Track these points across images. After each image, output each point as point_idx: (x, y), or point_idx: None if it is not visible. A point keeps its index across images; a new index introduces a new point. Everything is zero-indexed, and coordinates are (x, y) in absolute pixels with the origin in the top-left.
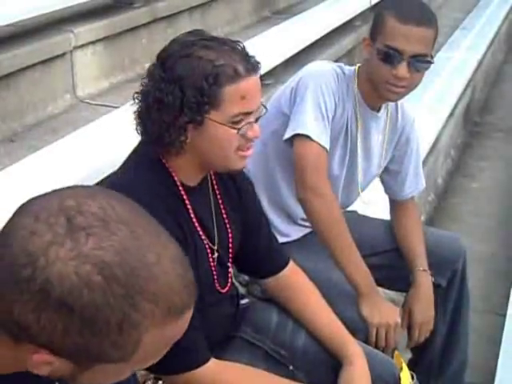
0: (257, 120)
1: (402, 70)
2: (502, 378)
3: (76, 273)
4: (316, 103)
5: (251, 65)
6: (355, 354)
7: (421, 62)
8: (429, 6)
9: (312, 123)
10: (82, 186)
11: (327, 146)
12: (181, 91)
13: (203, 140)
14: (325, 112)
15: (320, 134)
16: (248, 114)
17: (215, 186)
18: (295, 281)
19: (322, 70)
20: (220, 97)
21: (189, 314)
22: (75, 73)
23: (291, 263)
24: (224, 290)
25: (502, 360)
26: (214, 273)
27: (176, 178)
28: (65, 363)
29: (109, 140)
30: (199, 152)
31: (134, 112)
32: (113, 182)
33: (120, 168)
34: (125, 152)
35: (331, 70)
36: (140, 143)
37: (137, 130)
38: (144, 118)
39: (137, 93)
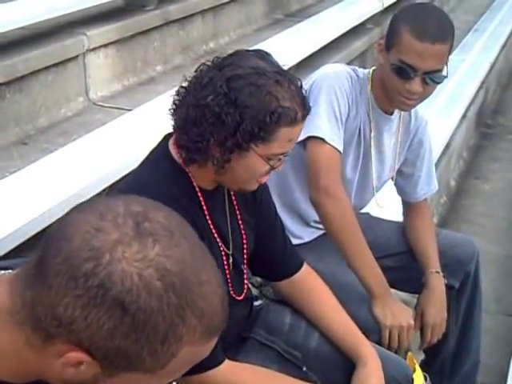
0: (286, 155)
1: (416, 85)
2: None
3: (139, 274)
4: (329, 106)
5: (306, 111)
6: (369, 355)
7: (435, 77)
8: (445, 14)
9: (325, 126)
10: (143, 198)
11: (341, 149)
12: (240, 117)
13: (238, 164)
14: (338, 115)
15: (333, 136)
16: (285, 154)
17: (230, 190)
18: (309, 283)
19: (335, 73)
20: (274, 135)
21: (215, 340)
22: (88, 75)
23: (305, 265)
24: (240, 298)
25: None
26: (229, 279)
27: (193, 180)
28: (93, 367)
29: (122, 142)
30: (226, 171)
31: (174, 109)
32: (131, 180)
33: (139, 166)
34: (138, 154)
35: (345, 72)
36: (161, 143)
37: (176, 125)
38: (190, 123)
39: (183, 87)
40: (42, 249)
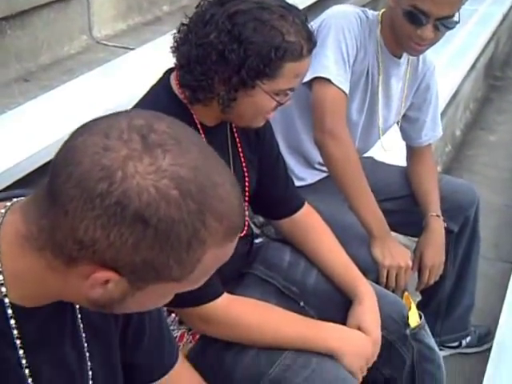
0: (292, 90)
1: (427, 31)
2: (505, 320)
3: (155, 186)
4: (337, 47)
5: (313, 45)
6: (365, 292)
7: (447, 23)
8: None
9: (332, 67)
10: (142, 110)
11: (347, 91)
12: (245, 53)
13: (244, 102)
14: (346, 56)
15: (340, 77)
16: (292, 89)
17: (233, 127)
18: (309, 222)
19: (344, 13)
20: (279, 70)
21: (237, 239)
22: (92, 13)
23: (306, 205)
24: (241, 235)
25: (507, 303)
26: None
27: (195, 117)
28: (121, 284)
29: (124, 81)
30: (232, 109)
31: (176, 47)
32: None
33: (139, 101)
34: (141, 93)
35: (354, 13)
36: (162, 77)
37: (179, 63)
38: (194, 62)
39: (184, 25)
40: (50, 177)
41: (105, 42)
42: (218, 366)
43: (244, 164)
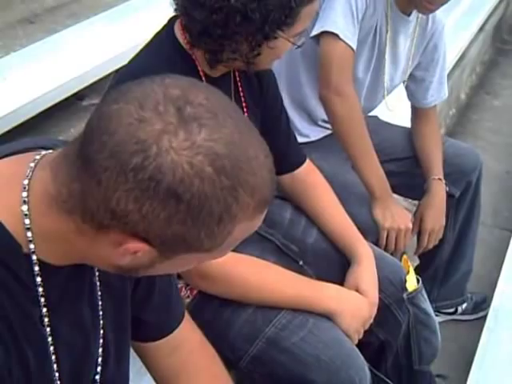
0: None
1: None
2: (502, 288)
3: (189, 163)
4: (346, 1)
5: None
6: (364, 253)
7: None
8: None
9: (341, 21)
10: (177, 76)
11: (354, 46)
12: (265, 9)
13: (266, 54)
14: (355, 11)
15: (348, 33)
16: (306, 29)
17: (237, 78)
18: (310, 179)
19: None
20: (297, 16)
21: (266, 210)
22: None
23: (308, 162)
24: None
25: (504, 271)
26: None
27: (199, 68)
28: (151, 253)
29: (131, 25)
30: (255, 64)
31: (185, 11)
32: (132, 63)
33: (142, 49)
34: (146, 38)
35: None
36: (166, 25)
37: (192, 27)
38: (213, 26)
39: None
40: (83, 141)
41: None
42: (215, 323)
43: (247, 115)
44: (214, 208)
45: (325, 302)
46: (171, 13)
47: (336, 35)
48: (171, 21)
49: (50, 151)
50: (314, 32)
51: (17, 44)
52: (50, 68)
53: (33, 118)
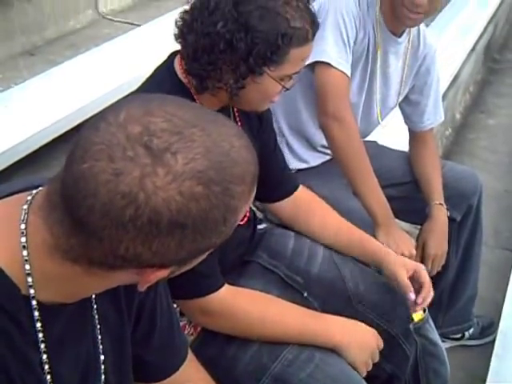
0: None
1: None
2: (509, 312)
3: (179, 193)
4: (337, 29)
5: (316, 28)
6: (392, 260)
7: None
8: None
9: (332, 50)
10: (128, 105)
11: (348, 73)
12: (252, 41)
13: (252, 89)
14: (346, 38)
15: (341, 60)
16: (298, 73)
17: (235, 110)
18: (310, 197)
19: None
20: (286, 56)
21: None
22: None
23: (301, 187)
24: (242, 222)
25: (510, 293)
26: None
27: (197, 102)
28: (169, 269)
29: (130, 57)
30: (240, 96)
31: (179, 35)
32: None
33: (143, 84)
34: (146, 70)
35: None
36: (166, 61)
37: (185, 52)
38: (201, 52)
39: (187, 12)
40: (69, 208)
41: (110, 18)
42: (220, 360)
43: None
44: (216, 215)
45: (330, 335)
46: (171, 45)
47: (329, 64)
48: (171, 56)
49: (40, 189)
50: (307, 62)
51: (17, 76)
52: (50, 101)
53: (34, 152)
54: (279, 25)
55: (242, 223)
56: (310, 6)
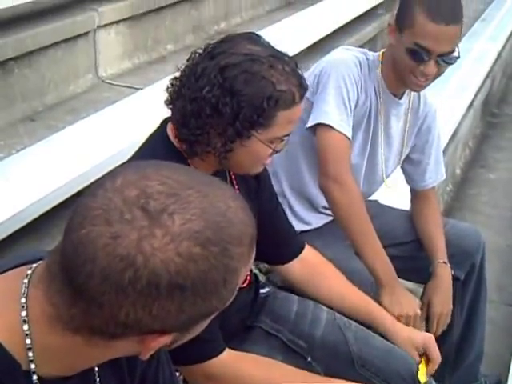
0: (288, 136)
1: (430, 67)
2: None
3: (177, 254)
4: (338, 93)
5: (304, 90)
6: (395, 325)
7: (448, 58)
8: None
9: (334, 112)
10: (124, 171)
11: (350, 135)
12: (238, 105)
13: (241, 152)
14: (347, 101)
15: (342, 123)
16: (287, 135)
17: (231, 173)
18: (318, 258)
19: (344, 59)
20: (273, 119)
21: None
22: (98, 52)
23: (308, 246)
24: (243, 285)
25: None
26: None
27: (191, 166)
28: (171, 335)
29: (130, 122)
30: (229, 160)
31: (170, 101)
32: None
33: (137, 151)
34: (146, 134)
35: (354, 58)
36: (160, 127)
37: (174, 118)
38: (189, 117)
39: (177, 79)
40: (69, 276)
41: (110, 81)
42: None
43: None
44: (215, 277)
45: None
46: (167, 111)
47: (330, 126)
48: (164, 122)
49: (40, 262)
50: (309, 124)
51: (18, 143)
52: (51, 167)
53: (35, 219)
54: (264, 88)
55: (243, 286)
56: (297, 69)
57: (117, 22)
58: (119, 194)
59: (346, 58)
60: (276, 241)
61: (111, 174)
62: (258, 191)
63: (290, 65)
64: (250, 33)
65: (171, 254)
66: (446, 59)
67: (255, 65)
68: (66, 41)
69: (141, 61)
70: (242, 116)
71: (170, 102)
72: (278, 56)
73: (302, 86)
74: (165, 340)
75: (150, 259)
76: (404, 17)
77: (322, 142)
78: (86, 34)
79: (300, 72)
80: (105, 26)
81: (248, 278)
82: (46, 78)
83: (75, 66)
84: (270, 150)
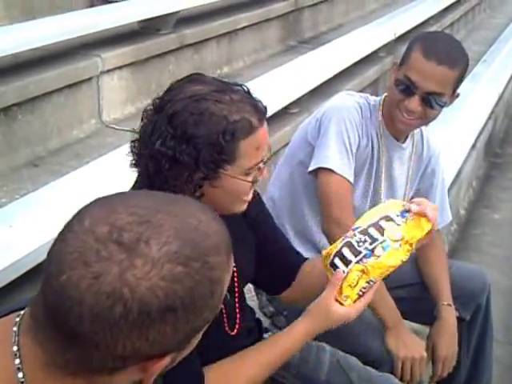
0: (265, 162)
1: (413, 103)
2: None
3: (162, 278)
4: (339, 137)
5: (261, 113)
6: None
7: (435, 100)
8: (460, 44)
9: (335, 157)
10: (89, 210)
11: (351, 179)
12: (195, 149)
13: (215, 192)
14: (348, 145)
15: (343, 166)
16: (261, 162)
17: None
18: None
19: (345, 104)
20: (236, 152)
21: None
22: (101, 97)
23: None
24: (233, 332)
25: None
26: (224, 314)
27: None
28: (170, 356)
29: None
30: (207, 201)
31: (134, 163)
32: None
33: None
34: None
35: (355, 103)
36: (137, 182)
37: (141, 180)
38: (152, 176)
39: (134, 141)
40: (58, 323)
41: (113, 126)
42: None
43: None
44: (202, 291)
45: None
46: None
47: (332, 170)
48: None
49: (26, 309)
50: (311, 168)
51: (21, 188)
52: (54, 213)
53: (38, 264)
54: (217, 124)
55: (232, 333)
56: (248, 96)
57: (120, 68)
58: (91, 234)
59: (347, 102)
60: (281, 258)
61: (76, 216)
62: (251, 230)
63: (239, 93)
64: (193, 74)
65: (155, 279)
66: (432, 99)
67: (200, 104)
68: (69, 86)
69: (144, 105)
70: (203, 159)
71: (133, 164)
72: (223, 88)
73: (258, 110)
74: (165, 362)
75: (137, 289)
76: (404, 55)
77: (324, 186)
78: (90, 79)
79: (252, 97)
80: (108, 71)
81: (237, 328)
82: (50, 123)
83: (78, 111)
84: (247, 183)
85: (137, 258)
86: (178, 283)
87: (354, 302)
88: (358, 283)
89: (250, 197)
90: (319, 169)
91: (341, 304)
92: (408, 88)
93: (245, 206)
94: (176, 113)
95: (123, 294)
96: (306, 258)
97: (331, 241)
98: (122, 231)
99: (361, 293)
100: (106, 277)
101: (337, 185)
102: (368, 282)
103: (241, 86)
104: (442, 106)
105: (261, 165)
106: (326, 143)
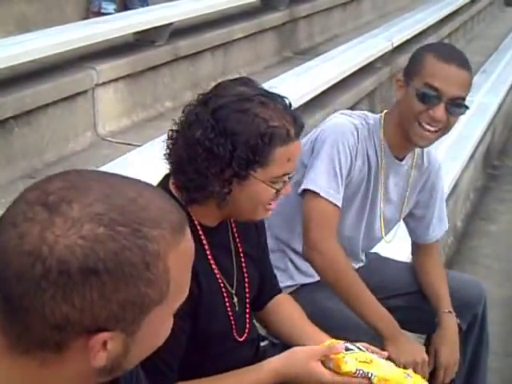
0: (290, 178)
1: (439, 111)
2: None
3: (81, 237)
4: (330, 160)
5: (299, 128)
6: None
7: (458, 105)
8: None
9: (322, 180)
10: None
11: (338, 203)
12: (232, 145)
13: (241, 194)
14: (338, 170)
15: (330, 190)
16: (288, 174)
17: (233, 225)
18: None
19: (340, 126)
20: (270, 157)
21: (188, 230)
22: (97, 110)
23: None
24: (242, 339)
25: None
26: (233, 321)
27: (194, 218)
28: (117, 338)
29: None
30: (230, 203)
31: (168, 153)
32: None
33: None
34: None
35: (350, 124)
36: (161, 182)
37: (172, 168)
38: (185, 163)
39: (173, 130)
40: None
41: (109, 139)
42: None
43: (244, 265)
44: (132, 258)
45: None
46: (166, 167)
47: (317, 193)
48: (166, 177)
49: None
50: (299, 190)
51: None
52: None
53: None
54: (257, 125)
55: (241, 340)
56: (290, 108)
57: (115, 80)
58: (23, 199)
59: (343, 125)
60: (266, 281)
61: None
62: (258, 240)
63: (282, 102)
64: (242, 77)
65: (74, 238)
66: (456, 106)
67: (246, 104)
68: (65, 99)
69: (139, 118)
70: (238, 155)
71: (168, 155)
72: (269, 95)
73: (297, 123)
74: (112, 344)
75: (55, 247)
76: (413, 66)
77: (306, 209)
78: (85, 92)
79: (293, 110)
80: (103, 84)
81: (246, 333)
82: (46, 136)
83: (74, 123)
84: (272, 191)
85: (57, 217)
86: (98, 244)
87: (341, 373)
88: (364, 362)
89: (273, 206)
90: (306, 191)
91: (323, 364)
92: (431, 96)
93: (268, 214)
94: (220, 107)
95: (42, 251)
96: (280, 291)
97: (311, 266)
98: (49, 195)
99: (356, 372)
100: (28, 236)
101: (320, 208)
102: (369, 373)
103: (283, 98)
104: (463, 113)
105: (287, 177)
106: (316, 165)
